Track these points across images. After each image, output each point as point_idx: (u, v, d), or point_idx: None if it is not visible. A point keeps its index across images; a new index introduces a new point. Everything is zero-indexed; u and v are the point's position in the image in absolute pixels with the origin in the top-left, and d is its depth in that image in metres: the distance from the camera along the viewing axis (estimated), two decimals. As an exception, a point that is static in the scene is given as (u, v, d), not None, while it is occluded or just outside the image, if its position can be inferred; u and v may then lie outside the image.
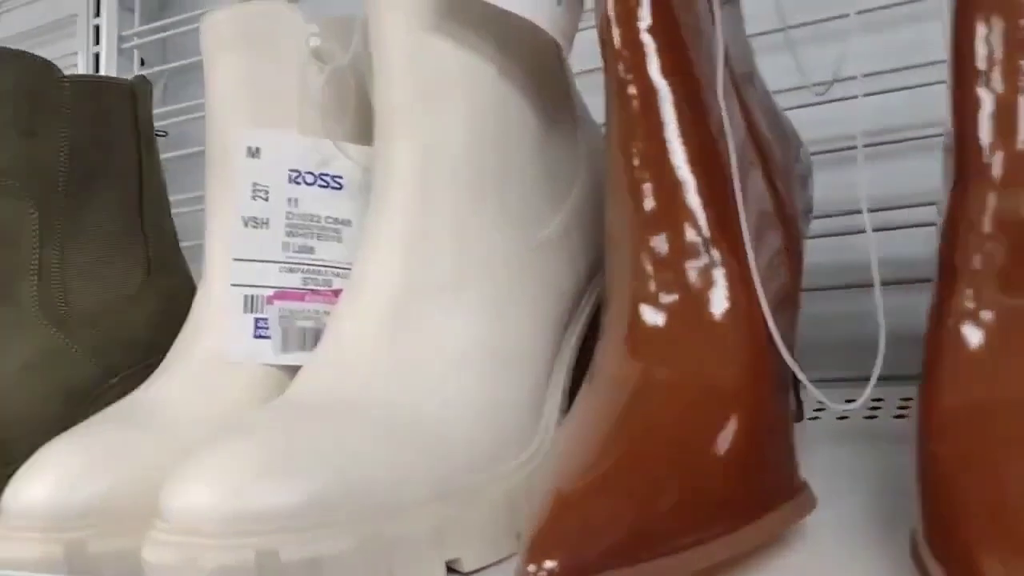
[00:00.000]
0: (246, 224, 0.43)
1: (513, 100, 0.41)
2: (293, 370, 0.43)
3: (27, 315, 0.53)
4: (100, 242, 0.57)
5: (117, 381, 0.55)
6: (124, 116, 0.59)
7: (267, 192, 0.44)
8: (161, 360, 0.60)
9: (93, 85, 0.57)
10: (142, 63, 0.87)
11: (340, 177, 0.45)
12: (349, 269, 0.45)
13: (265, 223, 0.43)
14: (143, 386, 0.44)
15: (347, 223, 0.45)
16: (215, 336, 0.43)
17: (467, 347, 0.38)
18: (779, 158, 0.41)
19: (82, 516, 0.36)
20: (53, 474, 0.36)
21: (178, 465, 0.30)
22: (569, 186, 0.44)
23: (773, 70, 0.49)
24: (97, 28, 0.88)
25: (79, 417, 0.53)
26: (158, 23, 0.87)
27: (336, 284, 0.44)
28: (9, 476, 0.39)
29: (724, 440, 0.30)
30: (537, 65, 0.43)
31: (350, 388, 0.36)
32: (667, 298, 0.33)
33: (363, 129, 0.47)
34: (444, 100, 0.40)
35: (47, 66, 0.55)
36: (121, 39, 0.87)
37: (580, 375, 0.43)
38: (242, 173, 0.43)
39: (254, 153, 0.43)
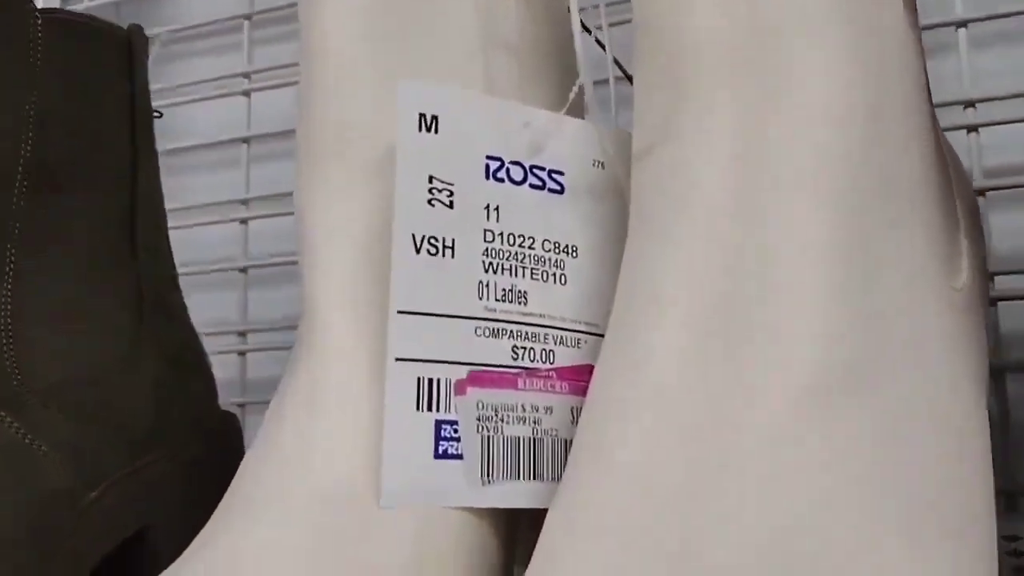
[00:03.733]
0: (419, 247, 0.24)
1: (914, 49, 0.24)
2: (494, 516, 0.24)
3: (-41, 391, 0.32)
4: (74, 272, 0.36)
5: (98, 496, 0.34)
6: (115, 77, 0.39)
7: (452, 193, 0.24)
8: (162, 459, 0.39)
9: (77, 26, 0.36)
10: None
11: (560, 173, 0.26)
12: (579, 332, 0.26)
13: (450, 247, 0.24)
14: (203, 547, 0.24)
15: (573, 251, 0.26)
16: (346, 455, 0.24)
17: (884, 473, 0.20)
18: None
19: None
20: None
21: None
22: (953, 206, 0.27)
23: None
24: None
25: (47, 560, 0.32)
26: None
27: (560, 358, 0.25)
28: None
29: None
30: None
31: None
32: None
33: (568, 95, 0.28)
34: (809, 30, 0.22)
35: (11, -13, 0.34)
36: None
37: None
38: (409, 157, 0.24)
39: (429, 125, 0.24)
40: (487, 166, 0.25)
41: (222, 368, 0.56)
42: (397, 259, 0.23)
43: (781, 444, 0.20)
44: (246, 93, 0.57)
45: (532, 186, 0.26)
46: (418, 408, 0.23)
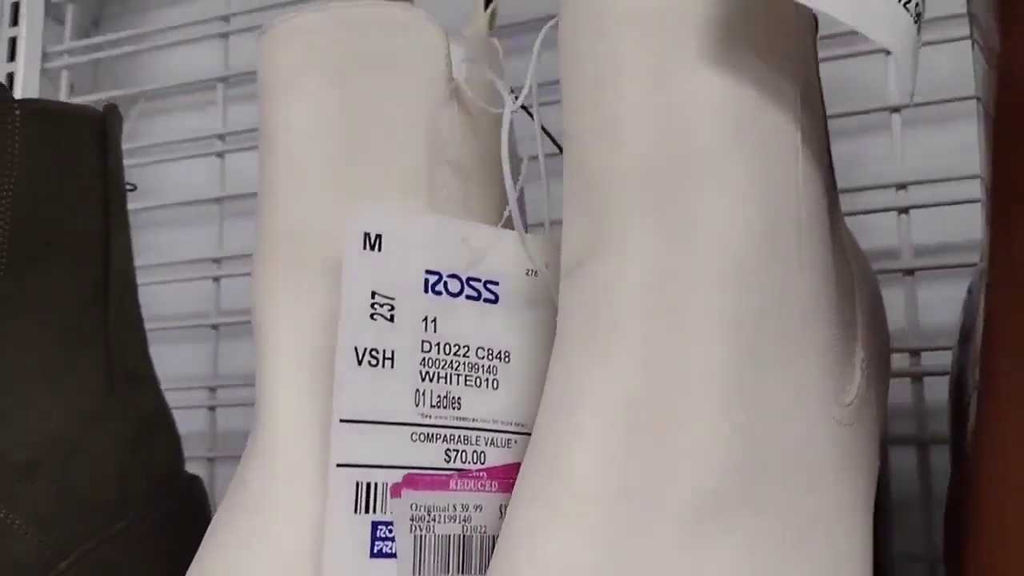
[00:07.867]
0: (361, 360, 0.26)
1: (810, 174, 0.26)
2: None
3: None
4: (47, 342, 0.38)
5: (70, 564, 0.36)
6: (89, 158, 0.41)
7: (393, 307, 0.27)
8: (130, 525, 0.41)
9: (53, 113, 0.38)
10: (72, 89, 0.68)
11: (495, 284, 0.28)
12: (509, 433, 0.28)
13: (389, 359, 0.26)
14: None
15: (505, 357, 0.28)
16: (291, 551, 0.26)
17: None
18: None
19: None
20: None
21: None
22: (853, 317, 0.29)
23: None
24: (14, 41, 0.68)
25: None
26: (96, 39, 0.68)
27: (491, 458, 0.28)
28: None
29: None
30: (822, 126, 0.28)
31: None
32: None
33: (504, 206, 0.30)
34: (712, 168, 0.24)
35: (-9, 83, 0.36)
36: (46, 56, 0.67)
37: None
38: (355, 274, 0.26)
39: (373, 244, 0.27)
40: (426, 280, 0.27)
41: (192, 421, 0.58)
42: (340, 371, 0.26)
43: (684, 549, 0.22)
44: (220, 155, 0.59)
45: (468, 297, 0.28)
46: (355, 511, 0.25)
